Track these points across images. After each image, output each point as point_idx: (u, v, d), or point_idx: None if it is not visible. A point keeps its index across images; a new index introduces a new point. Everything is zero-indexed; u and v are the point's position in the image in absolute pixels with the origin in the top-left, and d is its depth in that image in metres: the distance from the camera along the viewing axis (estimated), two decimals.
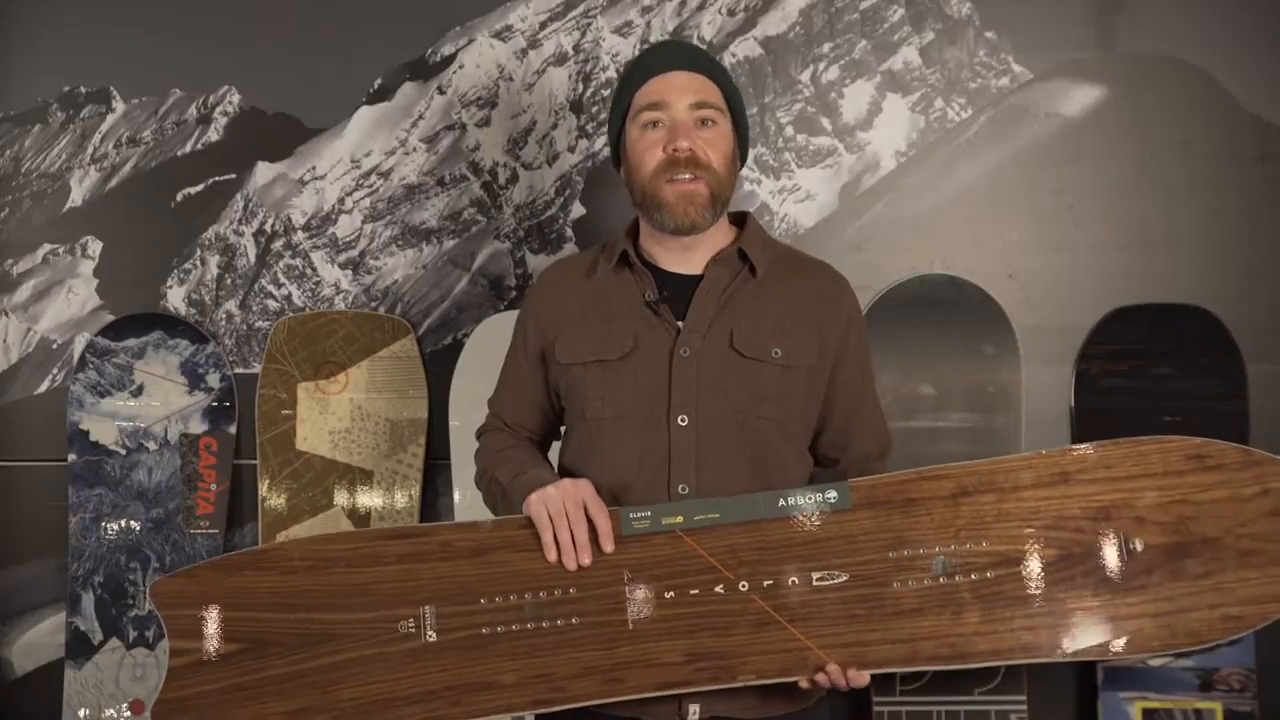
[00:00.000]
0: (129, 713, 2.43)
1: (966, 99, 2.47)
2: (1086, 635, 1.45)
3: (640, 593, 1.47)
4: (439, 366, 2.47)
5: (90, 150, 2.56)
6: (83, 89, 2.56)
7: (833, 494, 1.49)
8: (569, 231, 2.51)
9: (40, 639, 2.52)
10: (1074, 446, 1.52)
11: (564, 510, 1.48)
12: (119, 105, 2.56)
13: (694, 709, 1.51)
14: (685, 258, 1.61)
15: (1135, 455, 1.49)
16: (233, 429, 2.49)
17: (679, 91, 1.55)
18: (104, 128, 2.56)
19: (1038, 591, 1.46)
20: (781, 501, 1.49)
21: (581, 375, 1.59)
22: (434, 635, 1.49)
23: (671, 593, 1.46)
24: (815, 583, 1.46)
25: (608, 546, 1.47)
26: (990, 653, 1.45)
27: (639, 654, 1.45)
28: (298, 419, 2.46)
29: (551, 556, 1.48)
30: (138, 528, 2.46)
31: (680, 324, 1.57)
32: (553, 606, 1.48)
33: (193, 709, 1.49)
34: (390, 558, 1.52)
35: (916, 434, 2.36)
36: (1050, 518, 1.48)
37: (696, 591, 1.46)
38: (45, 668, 2.51)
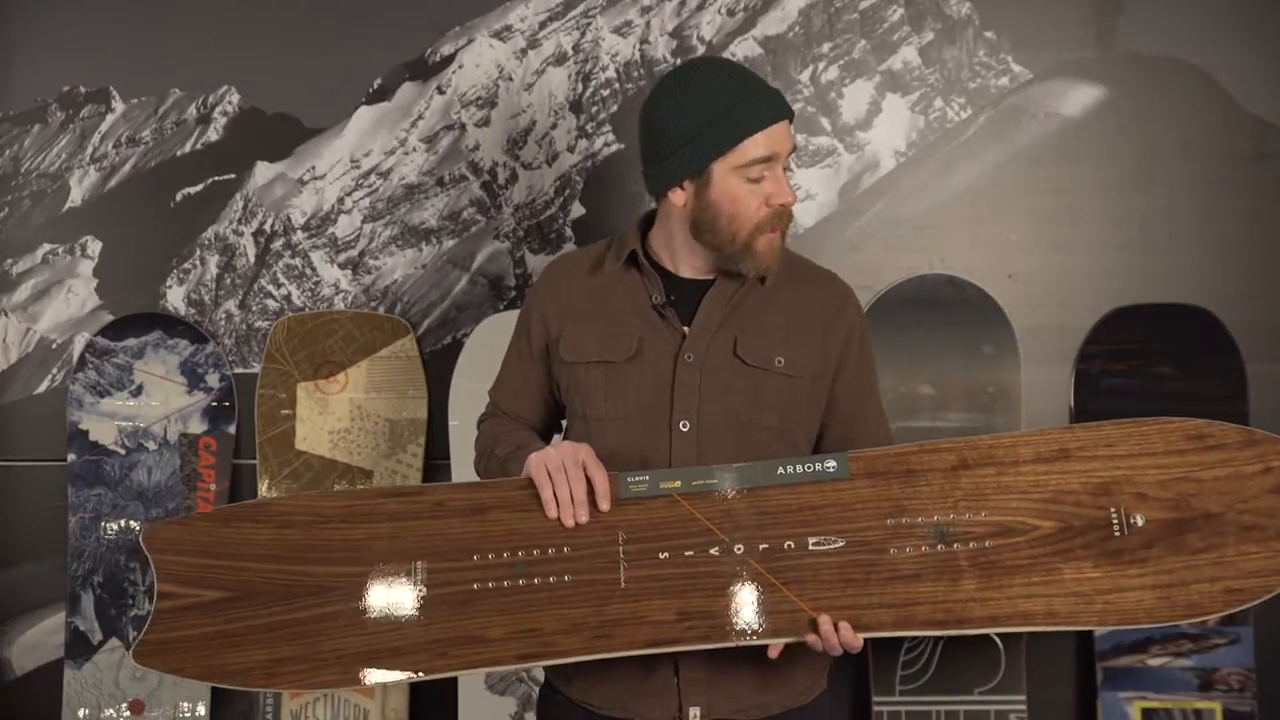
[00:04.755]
0: (128, 713, 2.43)
1: (966, 99, 2.47)
2: (1085, 604, 1.45)
3: (634, 553, 1.46)
4: (438, 366, 2.48)
5: (90, 150, 2.56)
6: (82, 89, 2.56)
7: (831, 463, 1.49)
8: (568, 231, 2.51)
9: (40, 639, 2.52)
10: (1075, 425, 1.52)
11: (563, 468, 1.48)
12: (119, 105, 2.56)
13: (694, 711, 1.51)
14: (694, 263, 1.60)
15: (1136, 435, 1.50)
16: (232, 429, 2.49)
17: (783, 142, 1.54)
18: (103, 128, 2.56)
19: (1036, 562, 1.45)
20: (780, 469, 1.49)
21: (584, 375, 1.59)
22: (424, 590, 1.48)
23: (665, 553, 1.46)
24: (811, 547, 1.45)
25: (604, 505, 1.47)
26: (987, 619, 1.44)
27: (629, 612, 1.44)
28: (297, 419, 2.46)
29: (551, 513, 1.48)
30: (137, 527, 2.46)
31: (686, 329, 1.57)
32: (545, 564, 1.47)
33: (174, 652, 1.48)
34: (384, 515, 1.52)
35: (916, 434, 2.36)
36: (1050, 492, 1.48)
37: (691, 553, 1.46)
38: (45, 668, 2.51)
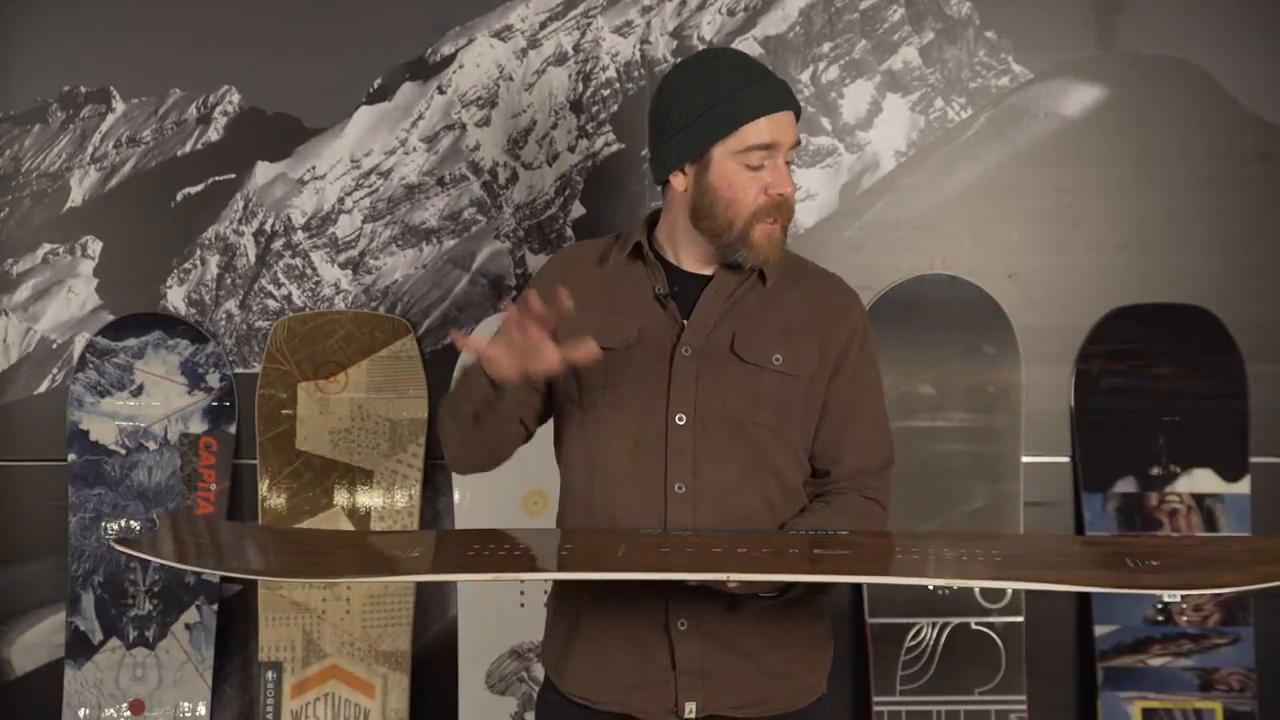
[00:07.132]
0: (128, 713, 2.43)
1: (966, 99, 2.47)
2: (1101, 582, 1.43)
3: (634, 548, 1.44)
4: (439, 366, 2.48)
5: (90, 150, 2.56)
6: (83, 89, 2.56)
7: (844, 533, 1.50)
8: (569, 231, 2.51)
9: (40, 639, 2.52)
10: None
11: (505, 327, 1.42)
12: (119, 105, 2.56)
13: (690, 706, 1.51)
14: (695, 254, 1.61)
15: (1147, 540, 1.54)
16: (233, 429, 2.49)
17: (786, 132, 1.53)
18: (104, 128, 2.56)
19: (1049, 567, 1.43)
20: (791, 533, 1.51)
21: None
22: (419, 556, 1.51)
23: (667, 549, 1.44)
24: (815, 553, 1.44)
25: (567, 304, 1.40)
26: (996, 579, 1.43)
27: (621, 563, 1.41)
28: (298, 419, 2.46)
29: (515, 359, 1.41)
30: (138, 527, 2.46)
31: (685, 322, 1.57)
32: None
33: (153, 546, 1.51)
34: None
35: (917, 434, 2.36)
36: (1058, 551, 1.49)
37: (692, 550, 1.44)
38: (45, 668, 2.51)
